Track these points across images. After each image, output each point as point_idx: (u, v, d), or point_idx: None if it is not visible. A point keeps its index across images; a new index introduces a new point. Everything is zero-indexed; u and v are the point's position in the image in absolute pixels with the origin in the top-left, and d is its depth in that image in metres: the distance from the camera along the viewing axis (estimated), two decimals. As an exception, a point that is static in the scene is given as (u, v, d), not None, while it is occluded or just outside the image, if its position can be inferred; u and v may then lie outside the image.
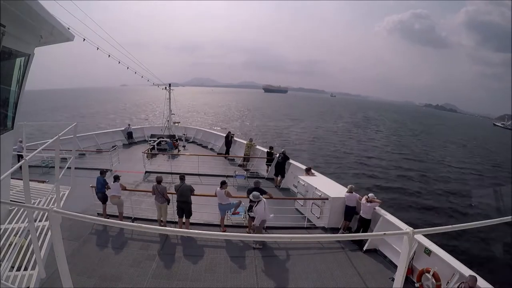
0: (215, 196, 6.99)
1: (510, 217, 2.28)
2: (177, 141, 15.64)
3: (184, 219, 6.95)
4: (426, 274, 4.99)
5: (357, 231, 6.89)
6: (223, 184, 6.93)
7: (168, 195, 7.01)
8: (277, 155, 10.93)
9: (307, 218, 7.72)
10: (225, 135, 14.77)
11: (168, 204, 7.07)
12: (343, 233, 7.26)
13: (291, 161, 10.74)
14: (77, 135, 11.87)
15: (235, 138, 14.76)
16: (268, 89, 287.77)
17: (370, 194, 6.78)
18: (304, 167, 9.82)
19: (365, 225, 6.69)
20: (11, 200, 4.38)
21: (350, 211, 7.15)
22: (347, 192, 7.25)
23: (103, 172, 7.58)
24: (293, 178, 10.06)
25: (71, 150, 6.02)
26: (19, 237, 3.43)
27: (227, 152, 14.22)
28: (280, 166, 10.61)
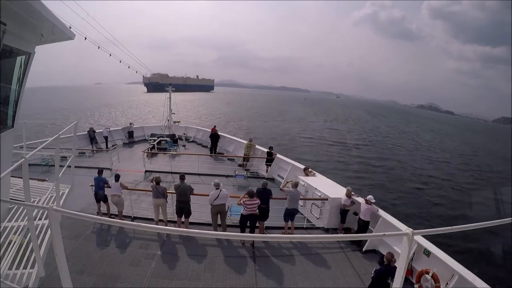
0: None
1: (510, 218, 2.27)
2: (177, 141, 15.65)
3: (183, 219, 6.94)
4: (426, 275, 4.98)
5: (356, 232, 6.87)
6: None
7: (167, 194, 6.98)
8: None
9: (307, 219, 7.71)
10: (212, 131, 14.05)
11: (166, 202, 7.05)
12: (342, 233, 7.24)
13: (290, 160, 10.71)
14: (77, 134, 11.87)
15: (234, 138, 14.71)
16: (157, 85, 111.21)
17: (369, 196, 6.75)
18: (303, 166, 9.81)
19: (363, 227, 6.65)
20: (10, 198, 4.38)
21: (344, 212, 7.09)
22: (345, 195, 7.17)
23: (101, 171, 7.58)
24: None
25: (71, 149, 6.04)
26: (18, 235, 3.44)
27: (215, 148, 14.11)
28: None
